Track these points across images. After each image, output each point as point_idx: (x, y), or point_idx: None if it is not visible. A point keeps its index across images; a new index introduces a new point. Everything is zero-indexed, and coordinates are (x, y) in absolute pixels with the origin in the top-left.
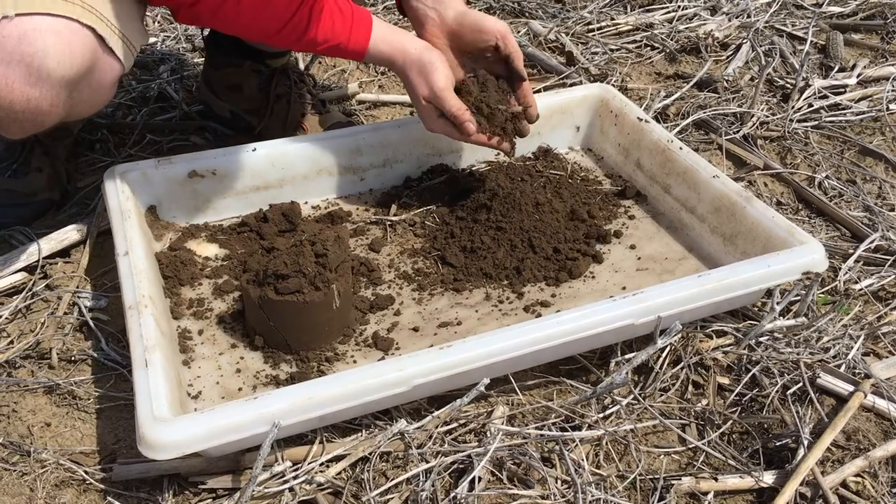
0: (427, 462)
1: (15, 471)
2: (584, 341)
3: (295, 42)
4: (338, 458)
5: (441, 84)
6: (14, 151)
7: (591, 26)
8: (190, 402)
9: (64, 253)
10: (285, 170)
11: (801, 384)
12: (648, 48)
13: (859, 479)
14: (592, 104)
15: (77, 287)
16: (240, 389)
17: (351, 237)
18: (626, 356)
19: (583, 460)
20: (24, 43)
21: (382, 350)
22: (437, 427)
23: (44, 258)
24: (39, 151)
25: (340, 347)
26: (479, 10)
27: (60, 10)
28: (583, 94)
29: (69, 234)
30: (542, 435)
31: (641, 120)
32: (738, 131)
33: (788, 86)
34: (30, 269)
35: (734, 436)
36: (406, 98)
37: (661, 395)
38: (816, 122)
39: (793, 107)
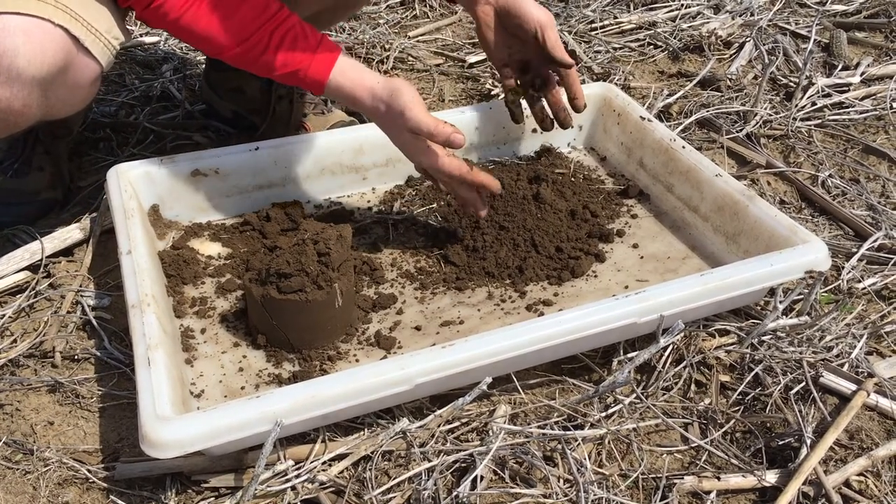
0: (429, 461)
1: (18, 469)
2: (586, 340)
3: (251, 63)
4: (340, 457)
5: (413, 107)
6: (16, 151)
7: (594, 25)
8: (192, 400)
9: (67, 252)
10: (288, 169)
11: (803, 383)
12: (651, 47)
13: (862, 478)
14: (595, 103)
15: (80, 286)
16: (242, 388)
17: (353, 236)
18: (629, 355)
19: (585, 459)
20: None
21: (385, 349)
22: (439, 426)
23: (47, 257)
24: (41, 150)
25: (343, 346)
26: None
27: (31, 9)
28: (585, 94)
29: (72, 233)
30: (544, 434)
31: (644, 119)
32: (741, 130)
33: (792, 84)
34: (33, 268)
35: (737, 435)
36: None
37: (664, 394)
38: (820, 121)
39: (796, 105)
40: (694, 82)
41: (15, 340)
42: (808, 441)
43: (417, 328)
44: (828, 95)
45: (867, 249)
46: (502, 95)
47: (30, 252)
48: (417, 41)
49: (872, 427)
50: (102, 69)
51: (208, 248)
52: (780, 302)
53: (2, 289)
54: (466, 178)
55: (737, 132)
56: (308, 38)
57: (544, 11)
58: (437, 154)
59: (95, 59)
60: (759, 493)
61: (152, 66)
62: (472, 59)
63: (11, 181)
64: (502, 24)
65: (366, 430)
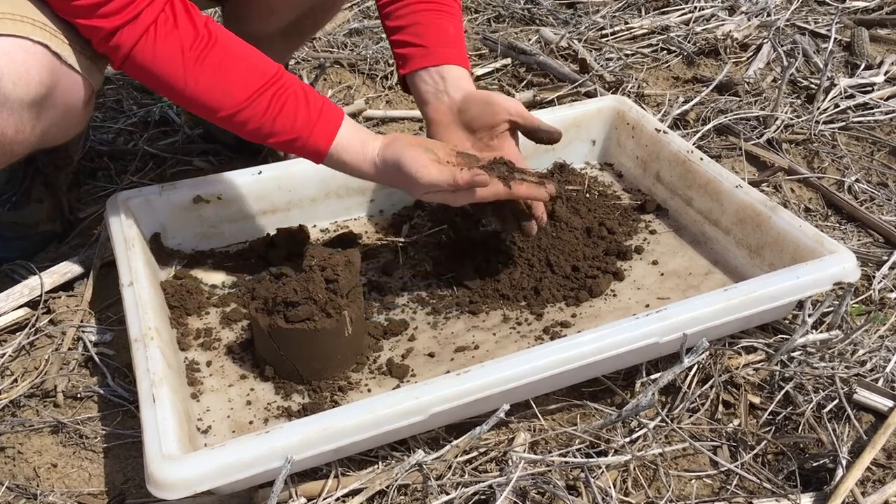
0: (447, 494)
1: None
2: (607, 362)
3: (241, 127)
4: (354, 493)
5: (423, 171)
6: (14, 183)
7: (604, 31)
8: (200, 437)
9: (67, 286)
10: (292, 192)
11: (837, 400)
12: (665, 52)
13: None
14: (608, 117)
15: (81, 321)
16: (251, 423)
17: (362, 261)
18: (652, 376)
19: (610, 487)
20: None
21: (397, 377)
22: (456, 457)
23: (46, 292)
24: (40, 182)
25: (354, 376)
26: (488, 17)
27: (8, 29)
28: (598, 107)
29: (72, 266)
30: (566, 462)
31: (659, 131)
32: (761, 136)
33: (813, 86)
34: (33, 304)
35: (768, 457)
36: (416, 114)
37: (690, 416)
38: (844, 123)
39: (818, 108)
40: (710, 87)
41: (15, 380)
42: (844, 462)
43: (431, 355)
44: (851, 96)
45: None
46: None
47: (29, 288)
48: None
49: None
50: (93, 88)
51: (212, 277)
52: (809, 315)
53: (1, 326)
54: (511, 197)
55: (757, 138)
56: (309, 103)
57: (511, 98)
58: (468, 194)
59: (83, 76)
60: None
61: (150, 91)
62: (479, 71)
63: (10, 214)
64: (464, 120)
65: (380, 463)
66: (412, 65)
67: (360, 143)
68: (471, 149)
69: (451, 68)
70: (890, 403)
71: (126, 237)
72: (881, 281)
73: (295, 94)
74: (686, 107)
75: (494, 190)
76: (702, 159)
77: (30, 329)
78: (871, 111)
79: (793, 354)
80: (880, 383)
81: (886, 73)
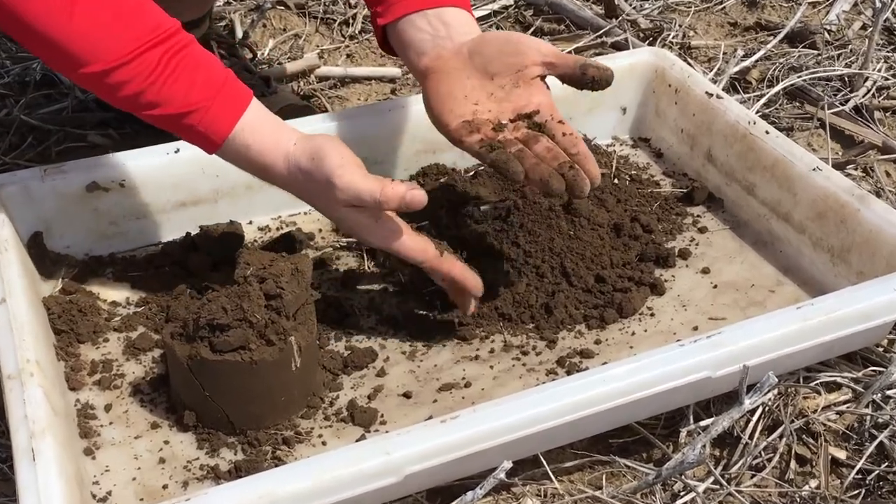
0: None
1: None
2: (642, 404)
3: (114, 92)
4: None
5: (344, 172)
6: None
7: None
8: None
9: None
10: (220, 177)
11: None
12: None
13: None
14: (643, 76)
15: None
16: (165, 487)
17: (315, 269)
18: (702, 423)
19: None
20: None
21: (362, 426)
22: None
23: None
24: None
25: (304, 423)
26: None
27: None
28: (629, 63)
29: None
30: None
31: (711, 95)
32: (846, 101)
33: None
34: None
35: None
36: (387, 71)
37: (753, 475)
38: None
39: None
40: (779, 37)
41: None
42: None
43: (406, 395)
44: None
45: None
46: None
47: None
48: None
49: None
50: None
51: (112, 292)
52: None
53: None
54: (434, 267)
55: (841, 105)
56: (212, 68)
57: (542, 40)
58: (393, 231)
59: None
60: None
61: None
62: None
63: None
64: (477, 64)
65: None
66: (399, 9)
67: (272, 127)
68: (487, 100)
69: (453, 11)
70: None
71: None
72: None
73: (193, 55)
74: (747, 63)
75: (423, 247)
76: (768, 133)
77: None
78: None
79: (889, 393)
80: None
81: None
